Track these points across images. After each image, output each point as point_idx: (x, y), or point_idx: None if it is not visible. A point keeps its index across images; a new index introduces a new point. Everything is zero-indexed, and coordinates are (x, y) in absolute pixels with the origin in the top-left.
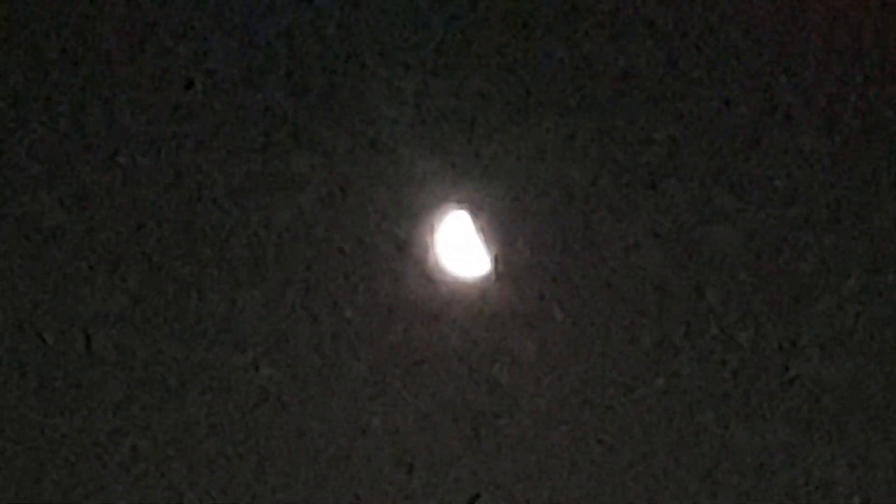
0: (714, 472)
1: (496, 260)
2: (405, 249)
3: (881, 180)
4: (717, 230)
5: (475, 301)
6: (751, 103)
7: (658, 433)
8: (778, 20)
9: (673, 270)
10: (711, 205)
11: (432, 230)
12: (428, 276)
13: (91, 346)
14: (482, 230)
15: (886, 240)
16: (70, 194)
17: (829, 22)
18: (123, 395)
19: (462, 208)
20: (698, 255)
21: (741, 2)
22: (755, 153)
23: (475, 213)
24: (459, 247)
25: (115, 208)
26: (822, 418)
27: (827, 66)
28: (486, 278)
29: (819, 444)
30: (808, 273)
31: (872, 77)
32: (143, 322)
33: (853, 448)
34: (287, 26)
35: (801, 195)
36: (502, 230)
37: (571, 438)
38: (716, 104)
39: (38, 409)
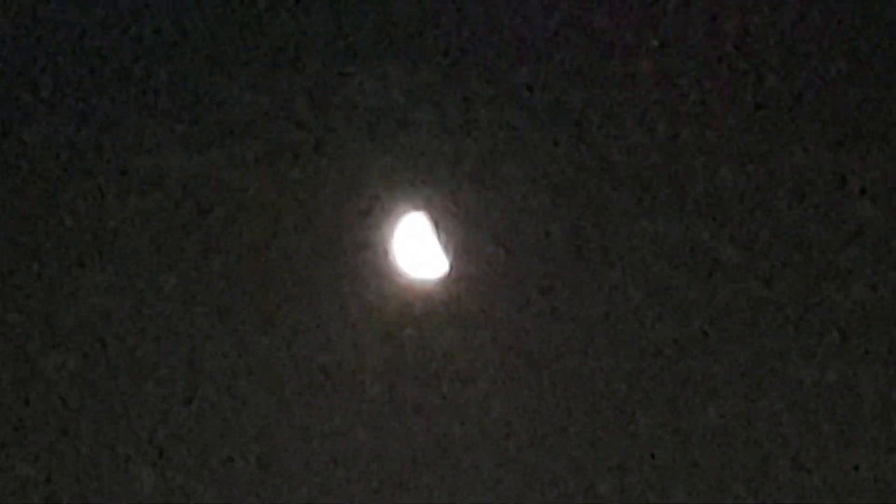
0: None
1: (454, 263)
2: (363, 252)
3: None
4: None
5: (433, 304)
6: None
7: (616, 433)
8: None
9: (630, 277)
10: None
11: (390, 234)
12: (386, 278)
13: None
14: (440, 234)
15: None
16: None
17: None
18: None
19: (421, 212)
20: (654, 261)
21: None
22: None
23: (434, 217)
24: (418, 250)
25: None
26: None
27: None
28: (444, 281)
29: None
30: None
31: None
32: (131, 325)
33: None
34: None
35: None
36: (461, 234)
37: (528, 439)
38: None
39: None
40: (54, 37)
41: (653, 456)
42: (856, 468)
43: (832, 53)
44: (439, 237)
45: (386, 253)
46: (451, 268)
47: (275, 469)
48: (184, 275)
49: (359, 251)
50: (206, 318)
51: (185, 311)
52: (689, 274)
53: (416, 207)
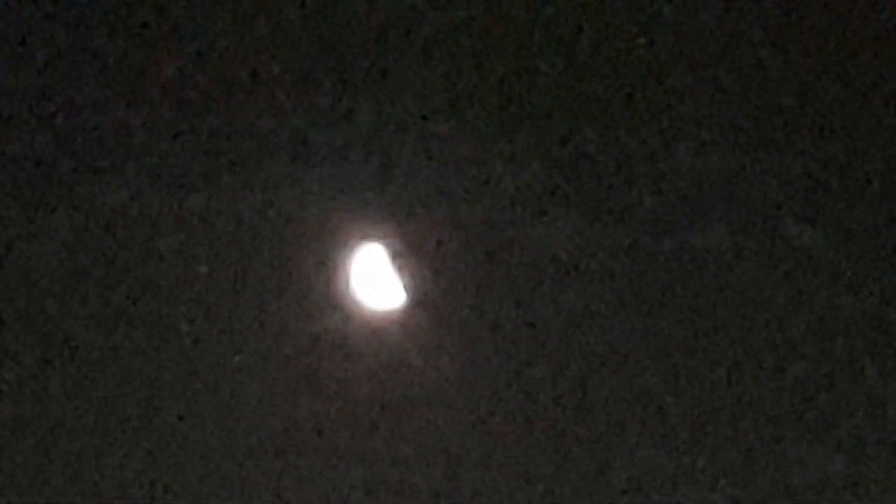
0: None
1: (410, 293)
2: (319, 283)
3: None
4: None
5: (389, 333)
6: None
7: (572, 464)
8: None
9: (591, 305)
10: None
11: (346, 264)
12: (342, 308)
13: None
14: (397, 264)
15: None
16: None
17: None
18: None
19: (376, 242)
20: (615, 287)
21: None
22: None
23: (390, 247)
24: (374, 280)
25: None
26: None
27: None
28: (401, 311)
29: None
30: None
31: None
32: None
33: None
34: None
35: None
36: (417, 264)
37: (483, 467)
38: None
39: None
40: None
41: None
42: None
43: None
44: (395, 265)
45: (343, 282)
46: (408, 296)
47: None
48: (143, 303)
49: (316, 280)
50: (163, 347)
51: (142, 341)
52: (650, 288)
53: (372, 237)
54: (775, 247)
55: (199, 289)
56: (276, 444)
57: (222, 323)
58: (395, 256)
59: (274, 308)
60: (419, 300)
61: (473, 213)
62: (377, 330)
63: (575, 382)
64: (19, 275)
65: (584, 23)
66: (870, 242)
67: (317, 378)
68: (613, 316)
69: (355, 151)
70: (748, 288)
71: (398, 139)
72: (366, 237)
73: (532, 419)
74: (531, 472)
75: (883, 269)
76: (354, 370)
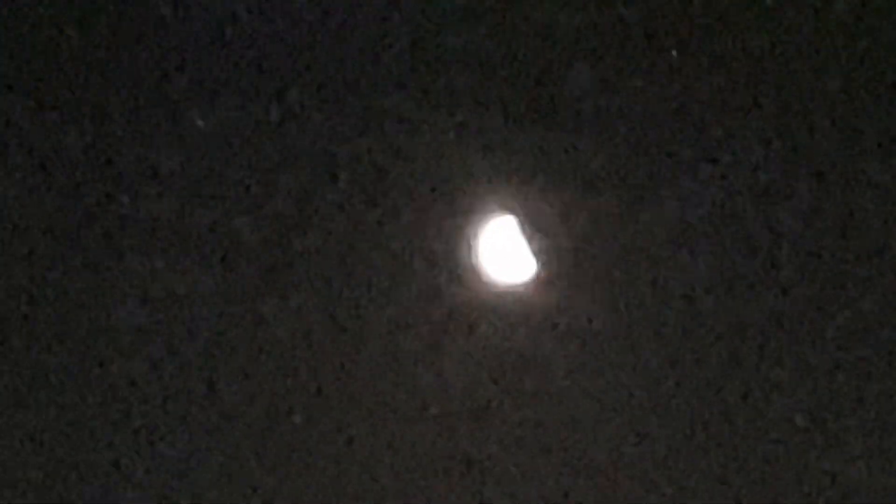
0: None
1: (540, 267)
2: (450, 255)
3: None
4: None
5: (518, 308)
6: None
7: (691, 446)
8: None
9: (726, 275)
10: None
11: (477, 236)
12: (472, 282)
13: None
14: (528, 237)
15: None
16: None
17: None
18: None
19: (508, 214)
20: (753, 258)
21: None
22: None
23: (521, 220)
24: (504, 253)
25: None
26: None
27: None
28: (530, 285)
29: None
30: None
31: None
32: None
33: None
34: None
35: None
36: (548, 238)
37: (605, 447)
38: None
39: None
40: None
41: (739, 456)
42: None
43: None
44: (527, 239)
45: (474, 255)
46: (539, 269)
47: (356, 462)
48: (260, 271)
49: (446, 253)
50: (286, 314)
51: (257, 308)
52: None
53: (504, 209)
54: None
55: (329, 265)
56: (401, 415)
57: (353, 300)
58: (525, 230)
59: (401, 282)
60: (549, 274)
61: (602, 187)
62: (506, 305)
63: (697, 364)
64: None
65: None
66: None
67: (444, 352)
68: (753, 288)
69: (487, 125)
70: None
71: (529, 108)
72: (495, 211)
73: (651, 396)
74: (664, 446)
75: None
76: (483, 345)
